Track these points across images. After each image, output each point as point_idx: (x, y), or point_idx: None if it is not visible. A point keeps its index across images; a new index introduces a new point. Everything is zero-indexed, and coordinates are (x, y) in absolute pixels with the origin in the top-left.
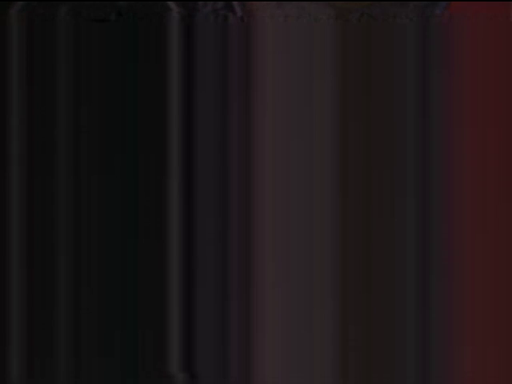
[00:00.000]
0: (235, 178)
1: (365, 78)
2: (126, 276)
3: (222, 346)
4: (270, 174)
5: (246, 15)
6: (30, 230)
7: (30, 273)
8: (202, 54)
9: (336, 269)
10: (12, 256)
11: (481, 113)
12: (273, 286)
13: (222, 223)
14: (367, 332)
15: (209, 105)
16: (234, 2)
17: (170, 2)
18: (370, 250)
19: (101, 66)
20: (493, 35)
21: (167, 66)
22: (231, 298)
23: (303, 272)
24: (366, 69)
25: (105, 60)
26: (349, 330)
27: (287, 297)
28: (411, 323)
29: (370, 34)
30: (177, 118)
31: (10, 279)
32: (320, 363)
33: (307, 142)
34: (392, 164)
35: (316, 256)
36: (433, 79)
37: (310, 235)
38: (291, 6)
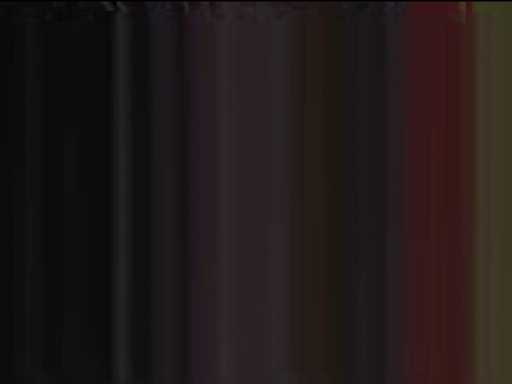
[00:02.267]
0: (194, 179)
1: (321, 77)
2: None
3: (181, 346)
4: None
5: (199, 15)
6: None
7: None
8: (154, 54)
9: (291, 266)
10: None
11: (429, 112)
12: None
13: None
14: (322, 331)
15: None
16: (184, 3)
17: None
18: (324, 247)
19: (45, 67)
20: (443, 35)
21: (114, 67)
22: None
23: (259, 272)
24: (323, 68)
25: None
26: (304, 326)
27: (244, 295)
28: (364, 319)
29: (329, 34)
30: (124, 119)
31: None
32: (276, 358)
33: (262, 141)
34: (347, 163)
35: (272, 254)
36: (387, 78)
37: (265, 236)
38: (248, 6)
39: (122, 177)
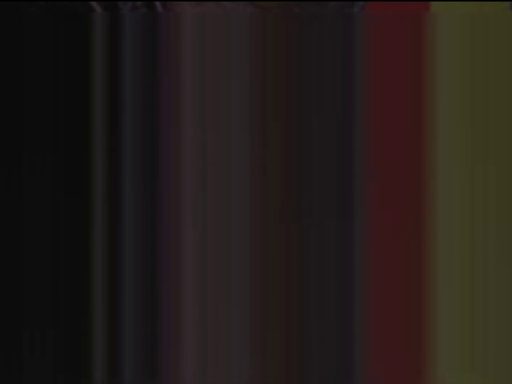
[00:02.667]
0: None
1: (283, 75)
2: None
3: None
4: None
5: (166, 12)
6: None
7: None
8: (125, 52)
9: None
10: None
11: (393, 108)
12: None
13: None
14: (285, 335)
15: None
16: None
17: (93, 3)
18: (288, 253)
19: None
20: (407, 33)
21: (91, 66)
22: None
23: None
24: (284, 67)
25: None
26: (267, 333)
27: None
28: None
29: (290, 32)
30: (101, 114)
31: None
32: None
33: (224, 138)
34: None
35: (234, 259)
36: (351, 76)
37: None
38: (212, 5)
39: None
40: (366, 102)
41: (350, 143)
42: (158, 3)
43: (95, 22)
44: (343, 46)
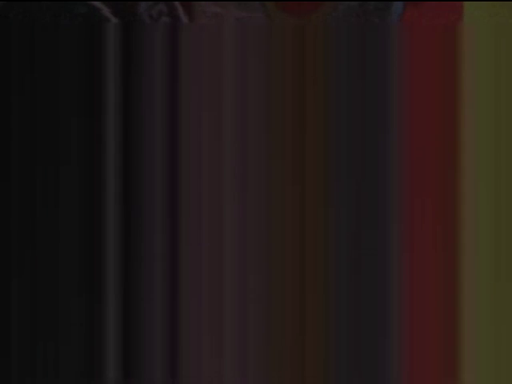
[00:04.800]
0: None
1: (301, 80)
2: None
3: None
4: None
5: (189, 19)
6: None
7: None
8: (141, 61)
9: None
10: None
11: (425, 116)
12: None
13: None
14: (301, 333)
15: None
16: (178, 7)
17: (106, 12)
18: (304, 248)
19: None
20: (442, 40)
21: (104, 75)
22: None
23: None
24: (303, 72)
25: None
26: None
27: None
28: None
29: (320, 43)
30: (115, 124)
31: None
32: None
33: (239, 145)
34: (329, 171)
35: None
36: (382, 82)
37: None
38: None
39: (112, 176)
40: (400, 113)
41: (385, 155)
42: (181, 14)
43: (109, 33)
44: (376, 56)
